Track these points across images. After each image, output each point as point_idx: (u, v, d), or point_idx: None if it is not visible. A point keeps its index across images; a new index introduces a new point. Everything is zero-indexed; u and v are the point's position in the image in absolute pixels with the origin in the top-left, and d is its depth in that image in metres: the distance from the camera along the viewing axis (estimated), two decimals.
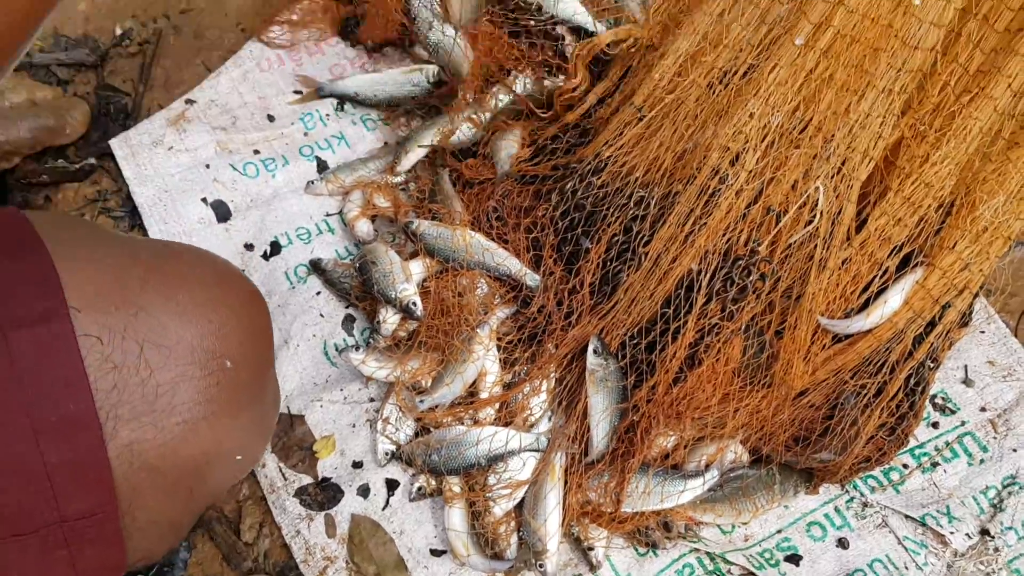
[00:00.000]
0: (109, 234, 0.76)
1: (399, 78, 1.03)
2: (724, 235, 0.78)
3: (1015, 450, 0.85)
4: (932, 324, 0.80)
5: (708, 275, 0.78)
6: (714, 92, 0.78)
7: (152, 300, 0.61)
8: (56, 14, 1.10)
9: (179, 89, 1.07)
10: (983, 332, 0.90)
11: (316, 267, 0.95)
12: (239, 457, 0.72)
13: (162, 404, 0.61)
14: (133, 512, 0.62)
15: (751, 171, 0.75)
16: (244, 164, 1.01)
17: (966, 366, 0.89)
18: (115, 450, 0.59)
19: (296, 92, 1.07)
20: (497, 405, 0.84)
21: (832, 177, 0.75)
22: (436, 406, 0.85)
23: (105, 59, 1.10)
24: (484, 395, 0.84)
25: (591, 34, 1.01)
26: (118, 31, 1.12)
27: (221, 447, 0.67)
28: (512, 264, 0.87)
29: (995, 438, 0.86)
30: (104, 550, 0.62)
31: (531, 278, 0.87)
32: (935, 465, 0.85)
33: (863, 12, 0.71)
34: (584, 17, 1.02)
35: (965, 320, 0.84)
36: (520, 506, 0.81)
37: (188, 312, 0.62)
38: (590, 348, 0.79)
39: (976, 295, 0.82)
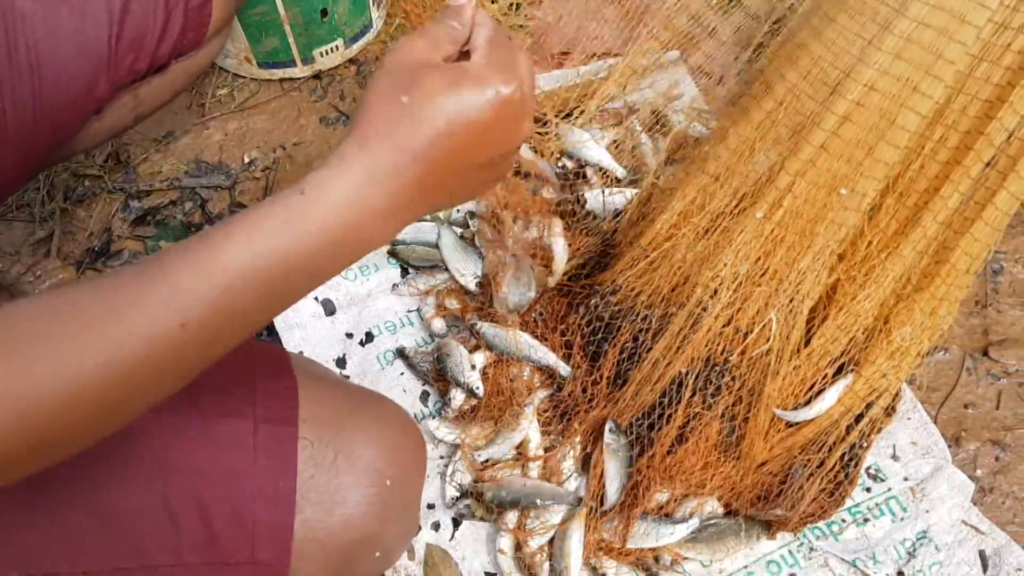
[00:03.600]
0: (334, 376, 0.93)
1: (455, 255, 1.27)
2: (706, 346, 1.06)
3: (927, 511, 1.10)
4: (860, 417, 1.07)
5: (693, 376, 1.06)
6: (699, 243, 1.06)
7: (351, 426, 0.78)
8: (198, 143, 1.43)
9: None
10: (910, 419, 1.17)
11: (401, 354, 1.24)
12: (378, 554, 0.83)
13: (338, 498, 0.74)
14: (296, 571, 0.75)
15: (725, 303, 1.03)
16: (345, 270, 1.31)
17: (894, 444, 1.15)
18: (299, 521, 0.73)
19: None
20: (539, 463, 1.12)
21: (783, 309, 1.03)
22: (488, 460, 1.13)
23: (236, 182, 1.41)
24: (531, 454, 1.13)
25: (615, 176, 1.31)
26: (246, 159, 1.42)
27: (368, 542, 0.79)
28: (550, 358, 1.16)
29: (913, 501, 1.12)
30: None
31: (564, 369, 1.15)
32: (866, 520, 1.11)
33: (804, 197, 0.99)
34: (609, 162, 1.32)
35: (891, 411, 1.11)
36: (552, 541, 1.09)
37: (372, 441, 0.78)
38: (607, 428, 1.07)
39: (896, 394, 1.10)
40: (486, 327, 1.17)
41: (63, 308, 0.51)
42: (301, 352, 1.22)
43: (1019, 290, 1.26)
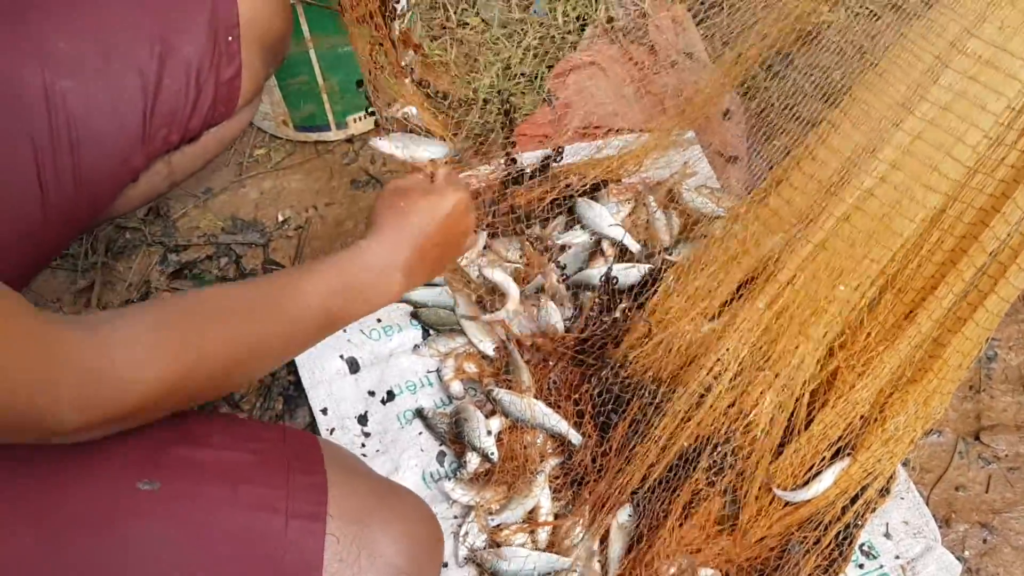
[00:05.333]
0: (362, 466, 0.98)
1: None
2: (710, 424, 1.12)
3: None
4: (856, 498, 1.13)
5: (697, 453, 1.12)
6: (706, 326, 1.13)
7: (376, 523, 0.82)
8: (235, 201, 1.50)
9: None
10: (903, 499, 1.22)
11: (420, 414, 1.30)
12: None
13: None
14: None
15: (727, 385, 1.10)
16: (370, 330, 1.37)
17: (888, 523, 1.21)
18: None
19: None
20: (548, 529, 1.18)
21: (783, 393, 1.09)
22: (501, 524, 1.19)
23: (270, 240, 1.49)
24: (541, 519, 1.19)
25: (628, 250, 1.38)
26: (280, 217, 1.50)
27: None
28: (562, 426, 1.22)
29: None
30: None
31: (575, 438, 1.21)
32: None
33: (805, 291, 1.05)
34: (626, 238, 1.39)
35: (885, 492, 1.17)
36: None
37: (393, 538, 0.83)
38: (624, 511, 1.13)
39: (891, 476, 1.16)
40: (502, 394, 1.24)
41: (223, 304, 0.79)
42: (325, 409, 1.29)
43: (1011, 377, 1.32)
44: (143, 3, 1.01)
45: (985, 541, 1.20)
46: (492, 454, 1.20)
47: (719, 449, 1.11)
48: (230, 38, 1.05)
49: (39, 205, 0.95)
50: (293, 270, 0.88)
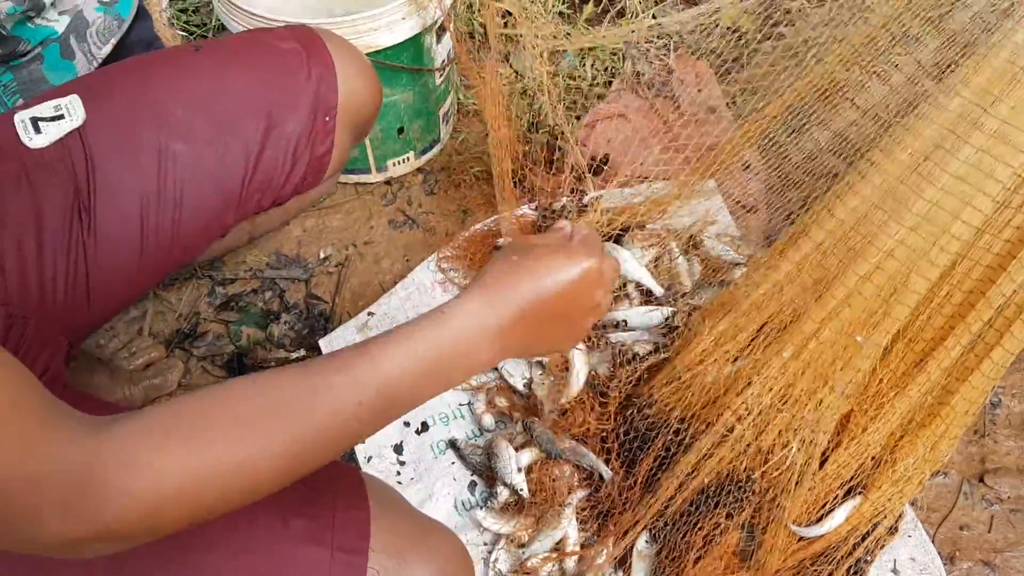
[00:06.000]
0: (403, 501, 0.98)
1: None
2: (731, 463, 1.20)
3: None
4: (867, 535, 1.20)
5: (718, 488, 1.19)
6: (729, 368, 1.21)
7: (414, 559, 0.85)
8: (279, 237, 1.59)
9: (362, 301, 1.53)
10: (910, 536, 1.29)
11: (452, 445, 1.37)
12: None
13: None
14: None
15: (749, 426, 1.17)
16: None
17: (895, 559, 1.27)
18: None
19: None
20: (576, 558, 1.25)
21: (803, 437, 1.17)
22: (530, 556, 1.26)
23: (312, 275, 1.57)
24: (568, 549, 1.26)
25: (652, 294, 1.46)
26: (321, 254, 1.58)
27: None
28: (592, 459, 1.29)
29: None
30: None
31: (606, 472, 1.28)
32: None
33: (828, 343, 1.13)
34: (649, 280, 1.47)
35: (894, 530, 1.24)
36: None
37: (434, 567, 0.86)
38: (642, 537, 1.20)
39: (900, 515, 1.23)
40: (539, 430, 1.31)
41: (264, 391, 0.65)
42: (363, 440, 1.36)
43: (1015, 423, 1.39)
44: (257, 82, 1.09)
45: None
46: (522, 490, 1.26)
47: (738, 485, 1.18)
48: (327, 118, 1.13)
49: (138, 254, 1.03)
50: (346, 352, 0.69)
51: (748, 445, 1.19)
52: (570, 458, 1.28)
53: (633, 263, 1.48)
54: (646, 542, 1.19)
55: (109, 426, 0.58)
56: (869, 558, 1.21)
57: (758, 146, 1.65)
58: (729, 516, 1.19)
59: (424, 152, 1.66)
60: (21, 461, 0.54)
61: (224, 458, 0.60)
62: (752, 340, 1.20)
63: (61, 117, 0.99)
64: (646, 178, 1.61)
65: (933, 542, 1.29)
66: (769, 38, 1.48)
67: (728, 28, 1.58)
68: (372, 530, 0.86)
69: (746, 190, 1.62)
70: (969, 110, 1.02)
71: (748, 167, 1.63)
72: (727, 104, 1.70)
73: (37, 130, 0.97)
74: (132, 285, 1.06)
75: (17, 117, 0.98)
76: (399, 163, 1.64)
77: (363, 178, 1.65)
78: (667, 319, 1.39)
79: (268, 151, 1.08)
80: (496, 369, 1.42)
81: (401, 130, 1.57)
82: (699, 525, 1.19)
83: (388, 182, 1.67)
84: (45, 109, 0.99)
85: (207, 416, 0.61)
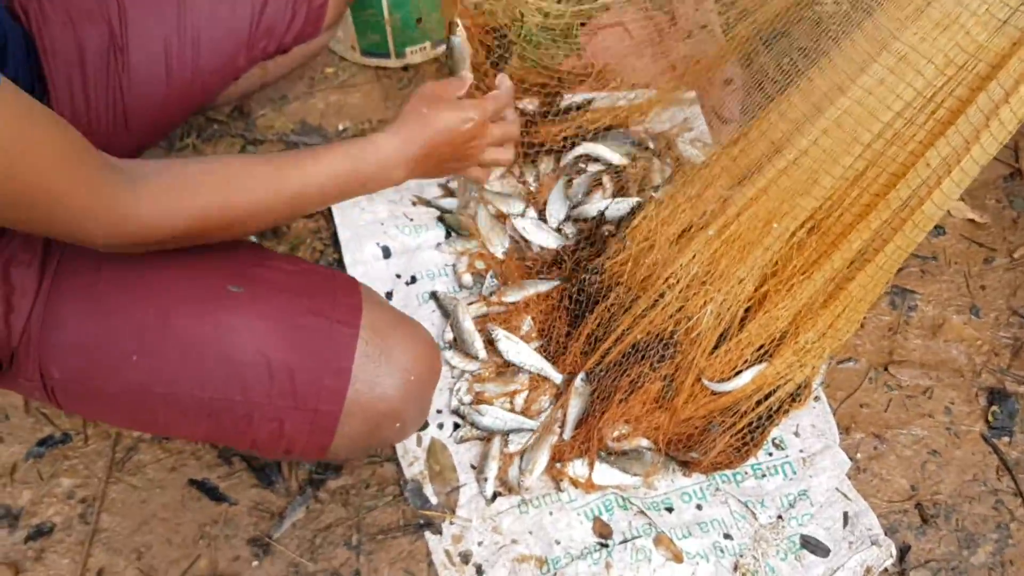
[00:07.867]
0: (386, 300, 1.28)
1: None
2: (661, 323, 1.41)
3: (811, 476, 1.43)
4: (768, 395, 1.41)
5: (646, 344, 1.41)
6: (669, 246, 1.41)
7: (394, 338, 1.10)
8: (305, 108, 1.80)
9: None
10: (814, 407, 1.50)
11: (434, 296, 1.60)
12: (398, 425, 1.15)
13: (377, 380, 1.06)
14: (343, 426, 1.06)
15: (677, 294, 1.38)
16: (403, 226, 1.67)
17: (798, 424, 1.48)
18: (351, 391, 1.05)
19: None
20: (526, 380, 1.48)
21: (722, 304, 1.37)
22: (485, 391, 1.49)
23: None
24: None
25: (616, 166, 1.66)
26: (340, 127, 1.79)
27: (393, 415, 1.11)
28: (543, 364, 1.51)
29: (802, 468, 1.44)
30: (321, 436, 1.08)
31: (555, 376, 1.49)
32: (763, 476, 1.45)
33: (747, 225, 1.32)
34: (618, 159, 1.66)
35: (796, 398, 1.45)
36: (523, 454, 1.45)
37: (406, 348, 1.10)
38: (579, 377, 1.42)
39: (808, 387, 1.43)
40: (501, 334, 1.51)
41: (240, 174, 0.98)
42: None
43: (925, 325, 1.58)
44: None
45: (875, 448, 1.47)
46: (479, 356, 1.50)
47: (664, 343, 1.40)
48: None
49: (164, 86, 1.26)
50: (308, 151, 1.02)
51: (676, 311, 1.40)
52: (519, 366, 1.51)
53: (610, 152, 1.67)
54: (582, 380, 1.42)
55: (144, 183, 0.88)
56: (773, 418, 1.43)
57: (742, 64, 1.81)
58: (653, 368, 1.41)
59: (440, 44, 1.85)
60: (87, 199, 0.82)
61: (220, 209, 0.95)
62: (691, 224, 1.40)
63: None
64: (634, 85, 1.79)
65: (834, 415, 1.49)
66: None
67: None
68: (363, 313, 1.09)
69: (724, 103, 1.79)
70: (880, 29, 1.19)
71: (730, 83, 1.79)
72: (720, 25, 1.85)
73: None
74: (163, 115, 1.30)
75: None
76: (416, 51, 1.83)
77: (383, 62, 1.85)
78: (633, 209, 1.59)
79: (271, 2, 1.31)
80: (477, 239, 1.64)
81: (420, 20, 1.75)
82: (627, 372, 1.41)
83: (405, 68, 1.86)
84: None
85: (212, 180, 0.95)
